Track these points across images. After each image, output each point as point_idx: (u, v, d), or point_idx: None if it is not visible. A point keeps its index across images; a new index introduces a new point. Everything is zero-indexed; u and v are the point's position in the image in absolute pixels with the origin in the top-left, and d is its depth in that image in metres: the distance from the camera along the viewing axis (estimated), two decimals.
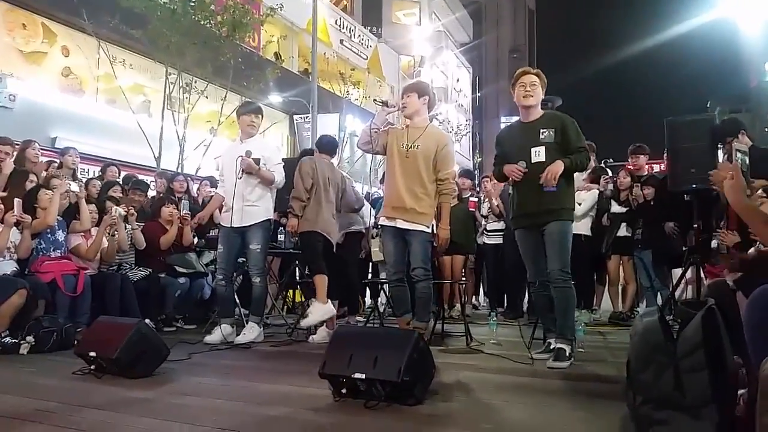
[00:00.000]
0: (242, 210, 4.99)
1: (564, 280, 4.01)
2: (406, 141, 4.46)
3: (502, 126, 4.56)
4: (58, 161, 6.59)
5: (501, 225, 7.12)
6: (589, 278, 6.78)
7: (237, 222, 4.99)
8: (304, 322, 4.95)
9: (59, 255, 5.18)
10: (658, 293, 6.43)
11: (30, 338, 4.37)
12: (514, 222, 4.38)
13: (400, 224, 4.41)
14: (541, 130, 4.12)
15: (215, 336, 4.95)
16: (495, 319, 5.43)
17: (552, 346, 4.10)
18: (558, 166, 3.95)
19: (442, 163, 4.46)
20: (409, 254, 4.46)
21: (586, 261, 6.41)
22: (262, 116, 5.35)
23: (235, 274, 5.44)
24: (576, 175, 4.41)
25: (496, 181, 7.29)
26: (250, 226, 4.99)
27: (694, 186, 4.03)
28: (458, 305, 6.75)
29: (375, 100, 4.89)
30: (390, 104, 4.59)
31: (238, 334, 4.99)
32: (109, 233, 5.52)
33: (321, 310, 4.77)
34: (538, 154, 4.08)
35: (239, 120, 5.26)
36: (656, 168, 8.26)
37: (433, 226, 4.50)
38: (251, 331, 4.93)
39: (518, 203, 4.27)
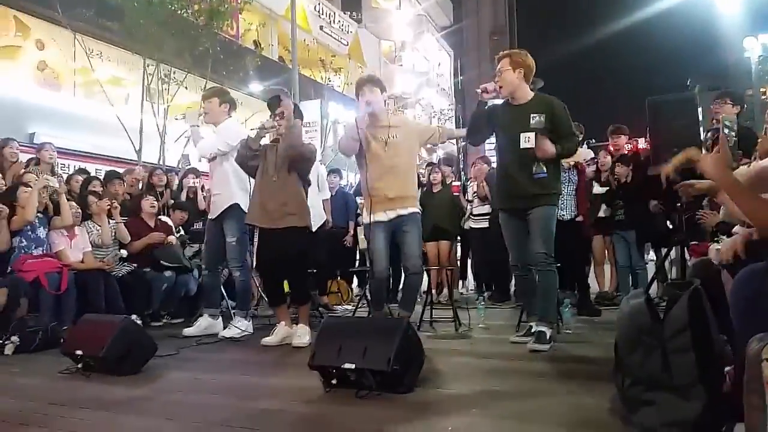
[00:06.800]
0: (211, 201, 5.16)
1: (547, 264, 4.00)
2: (382, 136, 4.32)
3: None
4: (35, 158, 6.48)
5: (487, 209, 7.10)
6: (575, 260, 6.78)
7: (211, 213, 5.10)
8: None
9: (41, 253, 5.11)
10: (637, 272, 6.49)
11: (15, 338, 4.30)
12: (498, 203, 4.28)
13: (401, 212, 4.29)
14: (532, 115, 4.02)
15: (195, 329, 4.95)
16: (483, 303, 5.45)
17: (533, 329, 4.06)
18: (551, 148, 3.92)
19: (425, 130, 4.72)
20: (404, 245, 4.32)
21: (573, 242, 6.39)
22: (220, 98, 5.07)
23: (220, 267, 5.37)
24: None
25: (483, 165, 7.31)
26: (221, 215, 4.97)
27: None
28: (446, 290, 6.75)
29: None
30: (367, 102, 4.35)
31: (225, 327, 4.96)
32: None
33: (307, 331, 4.61)
34: (528, 140, 3.98)
35: None
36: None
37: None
38: (238, 325, 4.90)
39: (506, 187, 4.21)
